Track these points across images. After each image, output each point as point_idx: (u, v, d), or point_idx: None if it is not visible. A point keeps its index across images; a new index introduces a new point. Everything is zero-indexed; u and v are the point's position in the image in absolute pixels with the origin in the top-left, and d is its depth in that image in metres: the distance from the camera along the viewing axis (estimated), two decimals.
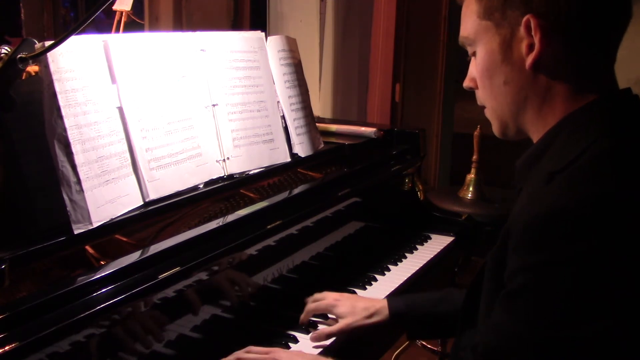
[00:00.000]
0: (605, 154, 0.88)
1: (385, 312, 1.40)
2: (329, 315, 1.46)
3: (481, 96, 1.07)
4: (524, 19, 0.93)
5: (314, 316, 1.45)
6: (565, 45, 0.94)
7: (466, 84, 1.09)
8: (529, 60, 0.95)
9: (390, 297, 1.44)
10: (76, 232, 1.15)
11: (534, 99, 0.98)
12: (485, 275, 1.01)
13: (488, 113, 1.07)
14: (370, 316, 1.40)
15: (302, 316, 1.43)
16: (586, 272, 0.80)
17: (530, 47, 0.94)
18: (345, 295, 1.49)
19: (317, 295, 1.47)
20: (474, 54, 1.04)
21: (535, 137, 1.02)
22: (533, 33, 0.93)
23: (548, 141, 0.98)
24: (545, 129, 0.99)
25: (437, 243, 1.98)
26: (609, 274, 0.80)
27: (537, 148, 1.00)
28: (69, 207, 1.14)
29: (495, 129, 1.08)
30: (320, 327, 1.43)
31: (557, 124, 0.97)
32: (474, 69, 1.06)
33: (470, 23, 1.02)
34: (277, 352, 1.25)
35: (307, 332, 1.41)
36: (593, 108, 0.95)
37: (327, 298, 1.45)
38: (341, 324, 1.39)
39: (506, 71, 0.99)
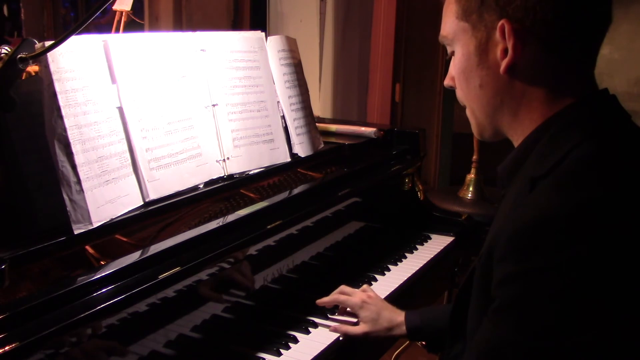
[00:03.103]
0: (588, 157, 0.88)
1: (404, 328, 1.42)
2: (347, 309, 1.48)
3: (460, 96, 1.06)
4: (499, 23, 0.92)
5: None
6: (541, 50, 0.93)
7: (446, 82, 1.09)
8: (503, 65, 0.94)
9: (408, 312, 1.44)
10: (76, 232, 1.15)
11: (510, 103, 0.98)
12: (474, 292, 0.99)
13: (468, 113, 1.07)
14: (390, 329, 1.42)
15: (327, 299, 1.46)
16: (576, 279, 0.79)
17: (505, 52, 0.93)
18: (374, 298, 1.48)
19: (345, 288, 1.49)
20: (453, 53, 1.04)
21: (515, 140, 1.01)
22: (507, 38, 0.92)
23: (529, 146, 0.97)
24: (525, 133, 0.98)
25: (437, 243, 1.98)
26: (600, 279, 0.79)
27: (518, 153, 0.99)
28: (69, 207, 1.14)
29: (473, 129, 1.08)
30: (338, 321, 1.44)
31: (536, 128, 0.96)
32: (453, 68, 1.05)
33: (449, 23, 1.02)
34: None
35: (307, 333, 1.41)
36: (572, 111, 0.94)
37: (355, 296, 1.46)
38: (363, 329, 1.41)
39: (482, 74, 0.98)
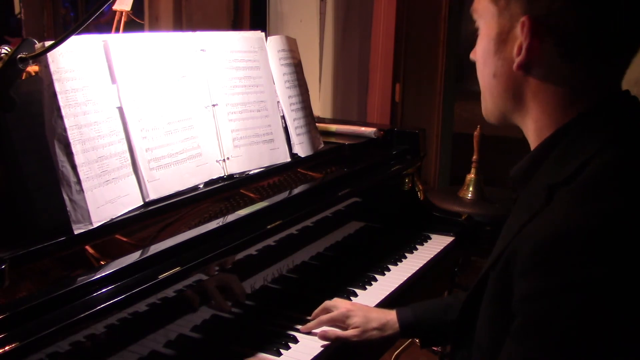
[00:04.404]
0: (610, 166, 0.84)
1: (396, 326, 1.39)
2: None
3: (478, 73, 1.03)
4: (522, 18, 0.89)
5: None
6: (561, 54, 0.89)
7: (472, 55, 1.04)
8: (516, 62, 0.91)
9: (399, 308, 1.41)
10: (76, 232, 1.15)
11: (521, 100, 0.95)
12: (485, 301, 0.95)
13: (482, 90, 1.04)
14: (382, 329, 1.38)
15: (312, 324, 1.41)
16: (604, 295, 0.76)
17: (520, 49, 0.91)
18: (358, 304, 1.46)
19: (328, 304, 1.44)
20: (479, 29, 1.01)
21: (530, 138, 0.98)
22: (524, 37, 0.89)
23: (545, 150, 0.94)
24: (540, 133, 0.95)
25: (437, 243, 1.98)
26: (629, 295, 0.76)
27: (534, 157, 0.96)
28: (69, 207, 1.14)
29: (483, 110, 1.05)
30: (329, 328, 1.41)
31: (556, 131, 0.93)
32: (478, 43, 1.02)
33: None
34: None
35: (307, 333, 1.40)
36: (592, 115, 0.90)
37: (339, 306, 1.42)
38: (354, 332, 1.37)
39: (497, 64, 0.95)
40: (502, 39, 0.94)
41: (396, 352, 2.69)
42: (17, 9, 4.58)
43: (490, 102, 1.01)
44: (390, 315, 1.40)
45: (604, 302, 0.76)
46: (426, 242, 1.98)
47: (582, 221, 0.79)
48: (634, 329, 0.76)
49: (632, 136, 0.89)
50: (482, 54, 0.99)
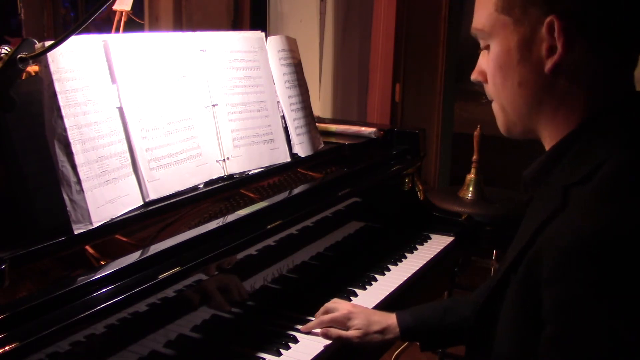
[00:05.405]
0: (628, 166, 0.84)
1: (397, 330, 1.38)
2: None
3: (491, 92, 1.01)
4: (547, 19, 0.88)
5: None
6: (588, 49, 0.88)
7: (474, 76, 1.03)
8: (550, 63, 0.89)
9: (398, 312, 1.40)
10: (76, 232, 1.15)
11: (549, 103, 0.93)
12: (508, 306, 0.94)
13: (495, 108, 1.02)
14: (382, 332, 1.38)
15: (312, 324, 1.40)
16: (635, 299, 0.76)
17: (551, 50, 0.89)
18: (359, 307, 1.45)
19: (329, 305, 1.44)
20: (487, 47, 0.98)
21: (547, 142, 0.97)
22: (556, 35, 0.87)
23: (561, 150, 0.93)
24: (559, 135, 0.93)
25: (437, 243, 1.98)
26: None
27: (549, 157, 0.95)
28: (69, 207, 1.14)
29: (501, 125, 1.02)
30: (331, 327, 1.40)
31: (571, 131, 0.92)
32: (485, 62, 1.00)
33: (486, 15, 0.96)
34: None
35: (307, 333, 1.40)
36: (608, 116, 0.90)
37: (340, 308, 1.42)
38: (356, 333, 1.37)
39: (522, 72, 0.93)
40: (525, 46, 0.92)
41: (396, 352, 2.69)
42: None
43: (513, 114, 0.99)
44: (391, 319, 1.40)
45: (637, 305, 0.76)
46: (426, 242, 1.98)
47: (606, 224, 0.79)
48: None
49: None
50: (499, 69, 0.96)
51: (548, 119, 0.95)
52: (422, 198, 2.14)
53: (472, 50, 1.11)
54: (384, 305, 1.58)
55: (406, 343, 2.66)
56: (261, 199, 1.51)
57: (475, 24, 0.99)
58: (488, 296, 1.02)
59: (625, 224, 0.78)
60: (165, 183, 1.35)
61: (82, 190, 1.16)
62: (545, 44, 0.90)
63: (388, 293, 1.63)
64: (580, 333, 0.79)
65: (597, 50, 0.89)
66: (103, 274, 1.10)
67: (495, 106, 1.02)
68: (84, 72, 1.23)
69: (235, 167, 1.53)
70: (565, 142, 0.93)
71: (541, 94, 0.93)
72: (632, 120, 0.90)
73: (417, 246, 1.94)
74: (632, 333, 0.76)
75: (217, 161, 1.50)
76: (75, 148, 1.16)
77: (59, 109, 1.15)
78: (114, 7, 2.49)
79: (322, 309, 1.44)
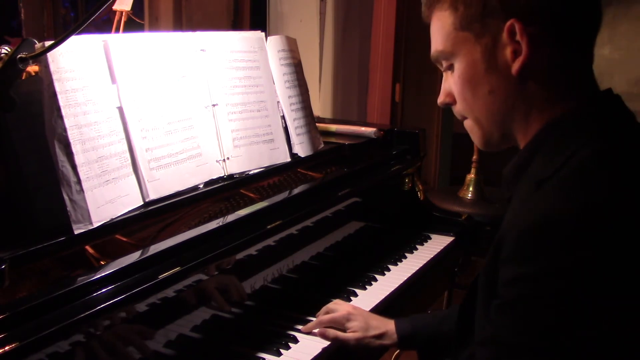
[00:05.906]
0: (592, 158, 0.87)
1: (394, 336, 1.39)
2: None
3: (461, 109, 1.03)
4: (507, 24, 0.91)
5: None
6: (551, 46, 0.92)
7: (441, 99, 1.06)
8: (516, 66, 0.92)
9: (397, 319, 1.42)
10: (76, 232, 1.15)
11: (521, 106, 0.96)
12: (479, 295, 0.98)
13: (468, 125, 1.05)
14: (380, 337, 1.39)
15: (312, 324, 1.41)
16: (581, 281, 0.79)
17: (516, 53, 0.92)
18: (359, 309, 1.46)
19: (330, 306, 1.45)
20: (450, 67, 1.01)
21: (522, 143, 1.00)
22: (519, 38, 0.91)
23: (534, 148, 0.96)
24: (531, 134, 0.97)
25: (437, 243, 1.98)
26: (604, 281, 0.79)
27: (523, 156, 0.98)
28: (69, 207, 1.14)
29: (478, 139, 1.05)
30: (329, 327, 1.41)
31: (541, 129, 0.95)
32: (450, 82, 1.03)
33: (444, 36, 0.99)
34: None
35: (307, 333, 1.41)
36: (577, 112, 0.93)
37: (340, 309, 1.43)
38: (354, 335, 1.38)
39: (491, 80, 0.96)
40: (490, 54, 0.95)
41: (396, 352, 2.69)
42: None
43: (488, 124, 1.01)
44: (390, 325, 1.41)
45: (582, 288, 0.79)
46: (426, 242, 1.99)
47: (562, 210, 0.82)
48: (608, 316, 0.79)
49: (614, 131, 0.92)
50: (467, 83, 0.99)
51: (521, 121, 0.98)
52: (422, 198, 2.14)
53: None
54: (384, 305, 1.58)
55: None
56: (261, 199, 1.51)
57: (435, 47, 1.02)
58: (468, 292, 1.06)
59: (580, 211, 0.81)
60: (165, 183, 1.35)
61: (82, 190, 1.16)
62: (509, 48, 0.93)
63: (388, 293, 1.63)
64: (518, 308, 0.83)
65: (559, 46, 0.92)
66: (103, 274, 1.10)
67: (468, 123, 1.05)
68: (84, 72, 1.23)
69: (235, 167, 1.53)
70: (537, 139, 0.96)
71: (512, 98, 0.96)
72: (598, 116, 0.93)
73: (417, 246, 1.94)
74: (570, 315, 0.79)
75: (217, 161, 1.50)
76: (75, 148, 1.16)
77: (59, 109, 1.15)
78: (114, 7, 2.50)
79: (323, 310, 1.45)
